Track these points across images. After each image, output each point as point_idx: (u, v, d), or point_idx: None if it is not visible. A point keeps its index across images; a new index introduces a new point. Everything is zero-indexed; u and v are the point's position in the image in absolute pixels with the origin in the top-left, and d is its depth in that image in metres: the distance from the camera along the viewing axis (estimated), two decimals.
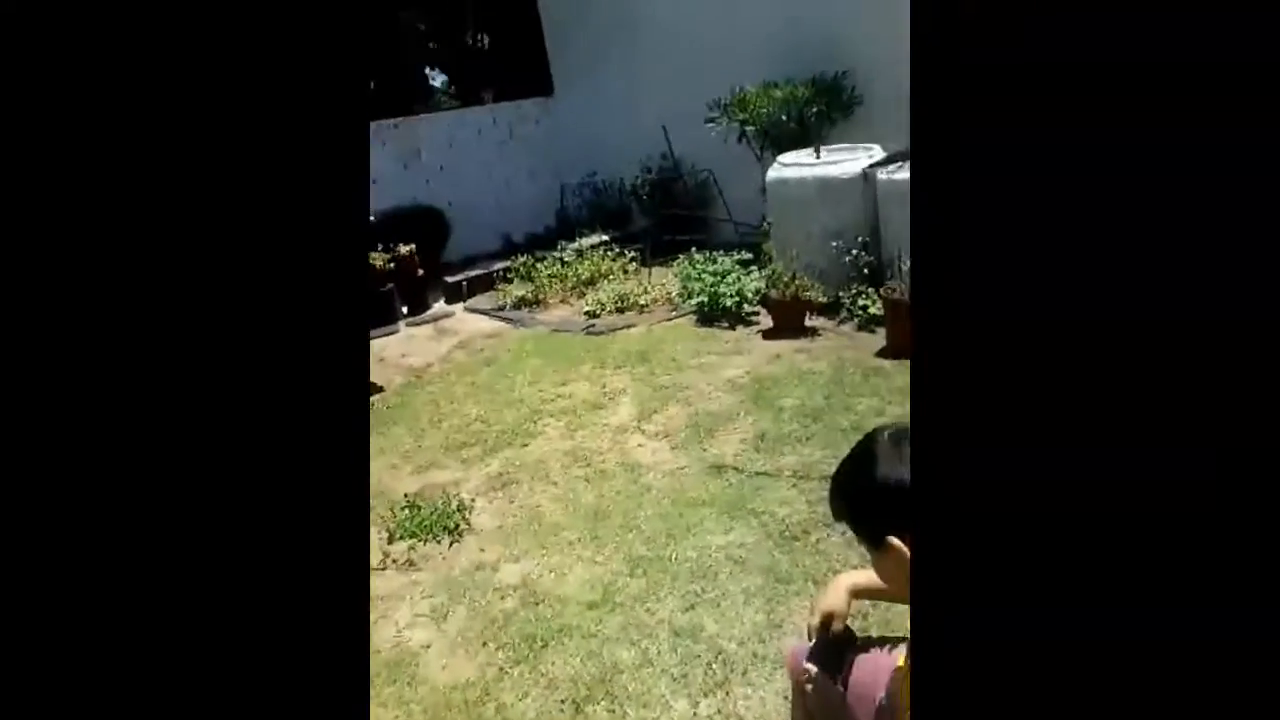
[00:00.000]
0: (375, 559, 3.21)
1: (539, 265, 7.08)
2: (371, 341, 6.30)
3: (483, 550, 3.18)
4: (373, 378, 5.42)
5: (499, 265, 7.40)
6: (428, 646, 2.65)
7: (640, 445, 3.87)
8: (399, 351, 6.00)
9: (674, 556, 2.93)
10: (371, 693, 2.46)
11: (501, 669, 2.48)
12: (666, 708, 2.23)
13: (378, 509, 3.60)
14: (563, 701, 2.31)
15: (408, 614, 2.84)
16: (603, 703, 2.28)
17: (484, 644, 2.61)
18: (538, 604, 2.78)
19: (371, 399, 5.00)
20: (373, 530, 3.42)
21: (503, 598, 2.85)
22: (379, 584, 3.05)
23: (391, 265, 6.85)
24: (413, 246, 7.07)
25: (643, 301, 6.11)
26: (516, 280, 7.05)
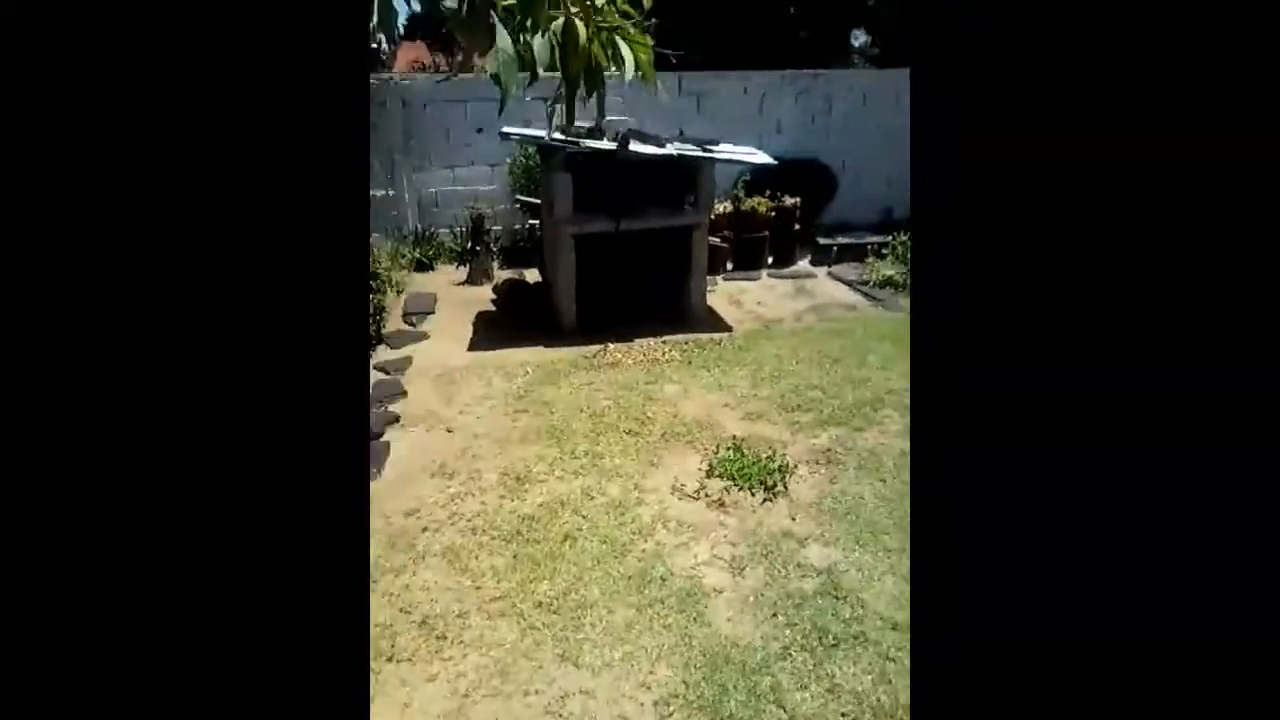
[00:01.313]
0: (691, 486, 3.24)
1: None
2: (732, 283, 6.40)
3: (794, 519, 3.01)
4: (726, 318, 5.51)
5: (874, 239, 6.94)
6: (719, 591, 2.59)
7: None
8: (755, 299, 5.99)
9: None
10: (657, 615, 2.48)
11: (786, 649, 2.32)
12: None
13: (703, 440, 3.64)
14: (843, 715, 2.07)
15: (706, 552, 2.81)
16: None
17: (774, 614, 2.47)
18: (838, 598, 2.54)
19: (719, 338, 5.08)
20: (694, 459, 3.47)
21: (803, 576, 2.66)
22: (688, 511, 3.07)
23: (773, 214, 6.82)
24: (798, 200, 6.95)
25: None
26: (890, 259, 6.55)
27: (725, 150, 5.58)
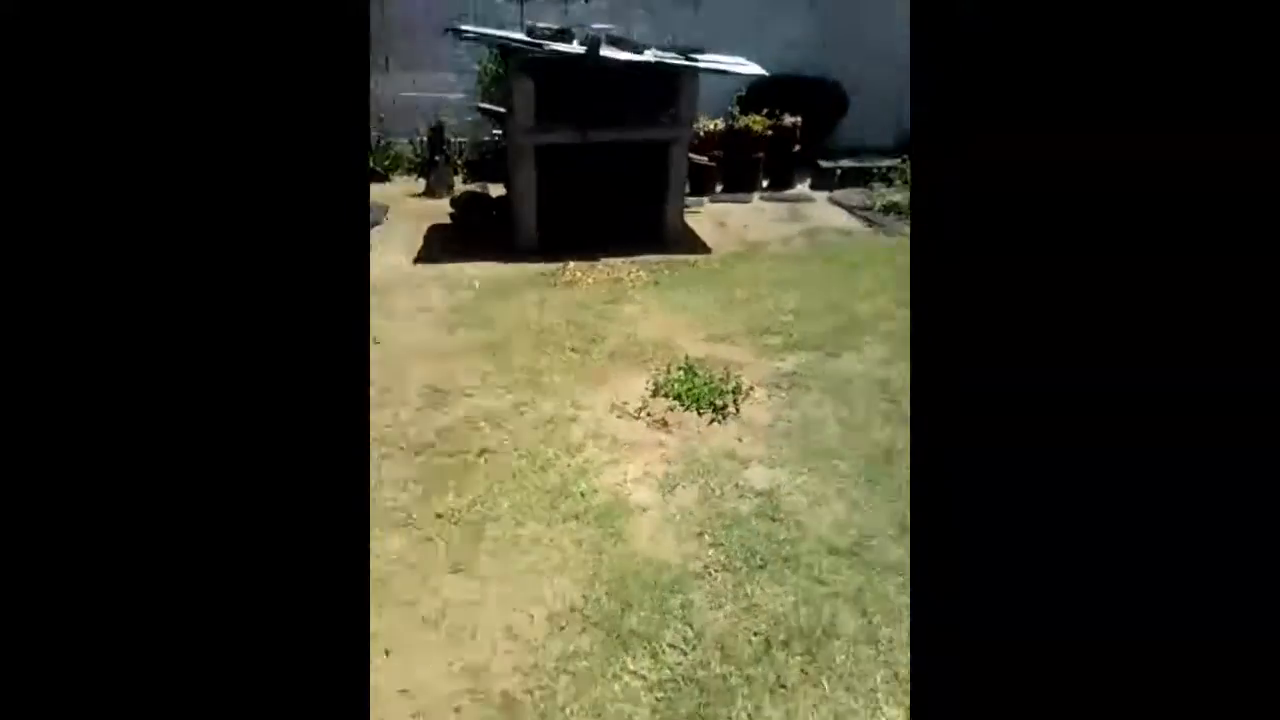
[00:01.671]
0: (634, 405, 3.14)
1: None
2: (719, 205, 6.22)
3: (740, 440, 2.91)
4: (707, 240, 5.35)
5: (885, 163, 6.71)
6: (644, 510, 2.50)
7: None
8: (741, 222, 5.82)
9: None
10: (570, 530, 2.40)
11: (706, 568, 2.24)
12: (874, 704, 1.79)
13: (657, 361, 3.53)
14: (754, 634, 2.00)
15: (639, 469, 2.72)
16: (799, 658, 1.92)
17: (700, 534, 2.38)
18: (775, 520, 2.45)
19: (694, 260, 4.94)
20: (643, 379, 3.36)
21: (740, 497, 2.57)
22: (626, 429, 2.98)
23: (769, 133, 6.60)
24: (798, 119, 6.71)
25: None
26: (898, 183, 6.34)
27: (710, 59, 5.34)
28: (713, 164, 6.45)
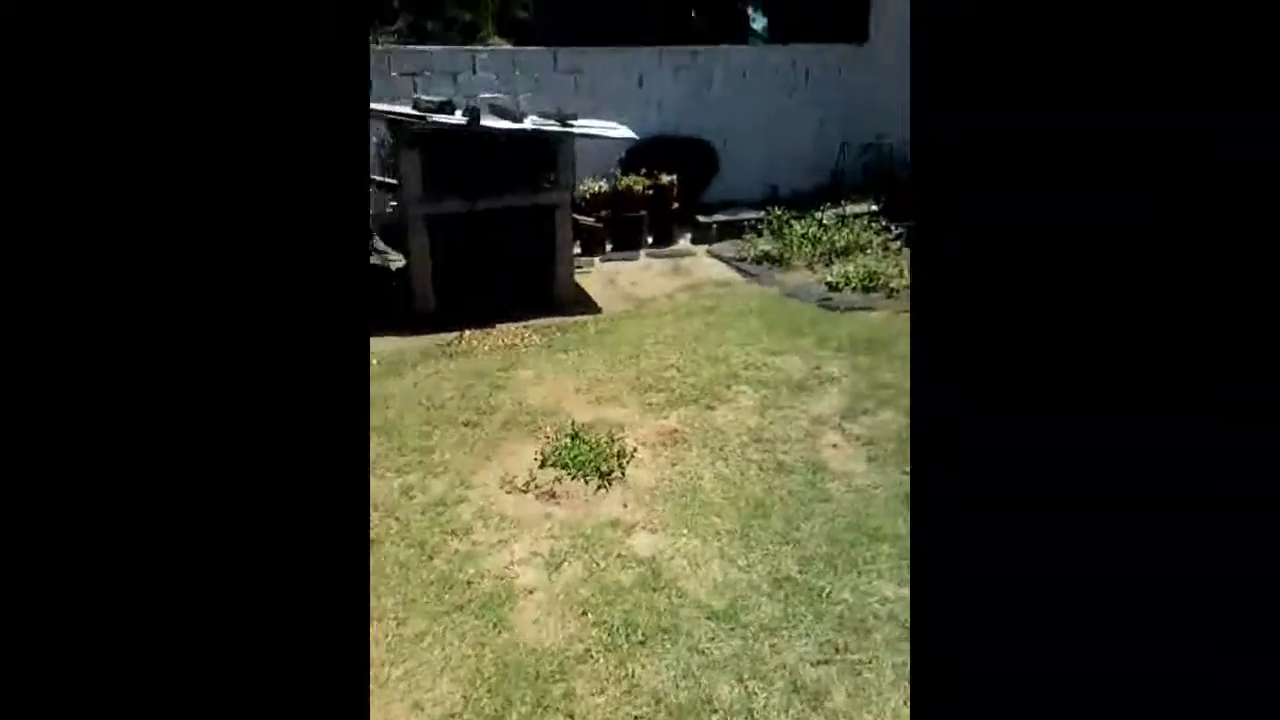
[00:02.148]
0: (522, 479, 3.04)
1: (794, 223, 6.45)
2: (609, 264, 6.22)
3: (625, 507, 2.85)
4: (598, 300, 5.32)
5: (754, 215, 6.87)
6: (530, 592, 2.40)
7: (835, 446, 3.24)
8: (630, 280, 5.83)
9: (827, 592, 2.34)
10: (453, 624, 2.27)
11: (588, 650, 2.14)
12: None
13: (546, 428, 3.44)
14: (636, 718, 1.92)
15: (526, 549, 2.61)
16: None
17: (583, 613, 2.29)
18: (655, 590, 2.39)
19: (584, 321, 4.89)
20: (532, 449, 3.26)
21: (623, 568, 2.50)
22: (514, 505, 2.87)
23: (650, 193, 6.66)
24: (674, 177, 6.81)
25: (894, 284, 5.25)
26: (767, 234, 6.50)
27: (584, 125, 5.36)
28: (600, 225, 6.44)
